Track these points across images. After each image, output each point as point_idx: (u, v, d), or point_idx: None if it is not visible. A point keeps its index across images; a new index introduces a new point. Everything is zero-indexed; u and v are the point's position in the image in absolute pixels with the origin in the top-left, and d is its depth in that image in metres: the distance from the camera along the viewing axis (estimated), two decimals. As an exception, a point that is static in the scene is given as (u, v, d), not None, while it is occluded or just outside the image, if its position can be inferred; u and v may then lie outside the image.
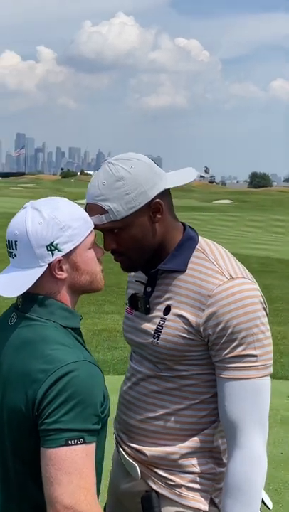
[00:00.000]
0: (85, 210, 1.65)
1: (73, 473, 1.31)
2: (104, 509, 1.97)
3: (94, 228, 1.63)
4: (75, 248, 1.50)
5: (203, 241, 1.75)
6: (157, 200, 1.64)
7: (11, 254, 1.51)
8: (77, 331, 1.55)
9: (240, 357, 1.59)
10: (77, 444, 1.33)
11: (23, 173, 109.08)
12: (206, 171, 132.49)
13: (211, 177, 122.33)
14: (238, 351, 1.59)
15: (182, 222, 1.79)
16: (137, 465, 1.76)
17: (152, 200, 1.63)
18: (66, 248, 1.48)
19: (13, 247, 1.49)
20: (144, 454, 1.74)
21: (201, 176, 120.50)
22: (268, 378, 1.62)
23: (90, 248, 1.55)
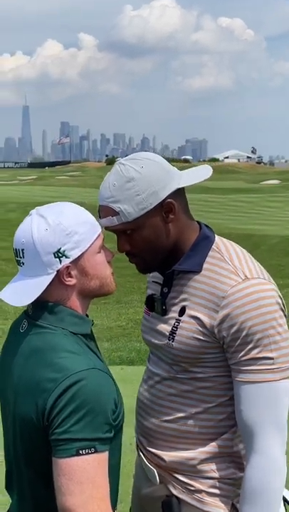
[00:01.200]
0: (98, 211, 1.63)
1: (85, 482, 1.30)
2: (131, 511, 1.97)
3: (106, 230, 1.61)
4: (82, 253, 1.48)
5: (219, 240, 1.71)
6: (169, 200, 1.61)
7: (19, 263, 1.50)
8: (88, 336, 1.53)
9: (256, 359, 1.55)
10: (88, 453, 1.32)
11: (69, 162, 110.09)
12: (253, 151, 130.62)
13: (258, 157, 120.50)
14: (253, 354, 1.55)
15: (198, 222, 1.75)
16: (155, 470, 1.74)
17: (164, 200, 1.60)
18: (74, 254, 1.47)
19: (21, 256, 1.48)
20: (162, 459, 1.73)
21: (248, 157, 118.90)
22: (287, 381, 1.57)
23: (98, 252, 1.53)
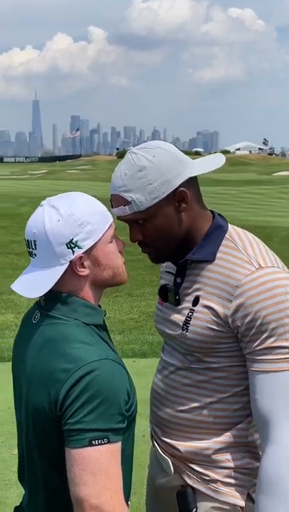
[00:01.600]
0: (110, 201, 1.62)
1: (98, 473, 1.30)
2: (146, 501, 1.97)
3: (118, 219, 1.60)
4: (95, 244, 1.48)
5: (232, 229, 1.69)
6: (182, 188, 1.60)
7: (31, 254, 1.50)
8: (101, 327, 1.53)
9: (271, 349, 1.53)
10: (101, 443, 1.32)
11: (80, 156, 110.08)
12: (265, 142, 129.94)
13: (270, 149, 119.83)
14: (268, 343, 1.53)
15: (211, 210, 1.74)
16: (170, 460, 1.74)
17: (177, 189, 1.59)
18: (86, 245, 1.46)
19: (33, 247, 1.47)
20: (177, 449, 1.72)
21: (260, 149, 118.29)
22: None
23: (110, 242, 1.52)
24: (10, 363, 5.43)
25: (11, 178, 47.78)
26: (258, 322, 1.53)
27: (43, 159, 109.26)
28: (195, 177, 1.64)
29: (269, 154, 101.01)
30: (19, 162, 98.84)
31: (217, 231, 1.67)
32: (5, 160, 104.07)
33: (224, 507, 1.66)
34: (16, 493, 3.54)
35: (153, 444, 1.84)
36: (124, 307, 8.35)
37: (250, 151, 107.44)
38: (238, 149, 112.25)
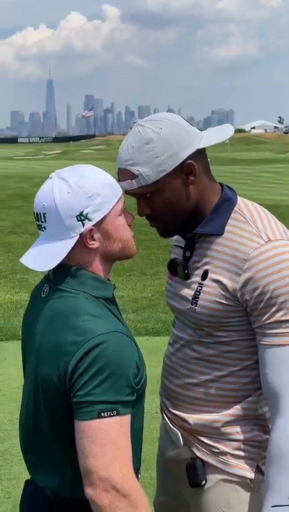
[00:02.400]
0: (117, 174, 1.61)
1: (107, 445, 1.30)
2: (157, 474, 1.99)
3: (126, 193, 1.59)
4: (105, 216, 1.46)
5: (241, 202, 1.67)
6: (190, 161, 1.58)
7: (40, 227, 1.49)
8: (110, 300, 1.52)
9: (280, 322, 1.53)
10: (110, 416, 1.32)
11: (94, 135, 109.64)
12: (280, 121, 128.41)
13: (285, 127, 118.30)
14: (277, 317, 1.52)
15: (220, 183, 1.72)
16: (179, 432, 1.74)
17: (184, 161, 1.57)
18: (96, 217, 1.45)
19: (42, 220, 1.46)
20: (187, 421, 1.72)
21: (275, 127, 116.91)
22: None
23: (120, 215, 1.51)
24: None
25: (25, 158, 47.79)
26: (267, 296, 1.52)
27: (57, 139, 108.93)
28: (203, 149, 1.62)
29: (285, 133, 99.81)
30: (33, 142, 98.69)
31: (226, 204, 1.65)
32: (19, 140, 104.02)
33: (233, 479, 1.67)
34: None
35: (162, 417, 1.84)
36: (137, 286, 8.36)
37: (266, 130, 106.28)
38: (254, 128, 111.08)
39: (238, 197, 1.69)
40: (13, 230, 13.35)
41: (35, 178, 24.13)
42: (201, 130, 1.67)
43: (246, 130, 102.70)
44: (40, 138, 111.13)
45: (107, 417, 1.32)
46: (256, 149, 54.04)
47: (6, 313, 7.10)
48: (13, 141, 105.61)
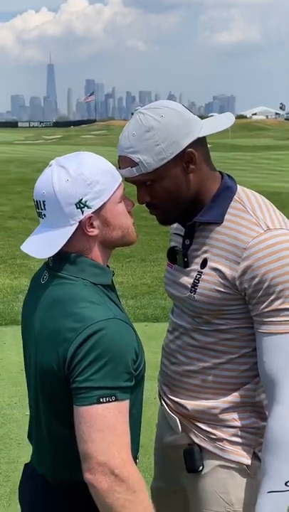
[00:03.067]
0: (118, 162, 1.61)
1: (106, 430, 1.32)
2: (154, 459, 2.01)
3: (126, 181, 1.59)
4: (104, 204, 1.47)
5: (241, 190, 1.68)
6: (190, 149, 1.58)
7: (40, 215, 1.49)
8: (109, 287, 1.53)
9: (278, 311, 1.54)
10: (109, 401, 1.34)
11: (94, 120, 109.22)
12: (282, 107, 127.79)
13: (287, 114, 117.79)
14: (275, 305, 1.53)
15: (220, 171, 1.72)
16: (177, 418, 1.76)
17: (184, 149, 1.57)
18: (95, 204, 1.45)
19: (42, 207, 1.47)
20: (185, 407, 1.74)
21: (277, 114, 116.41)
22: None
23: (119, 202, 1.51)
24: (23, 326, 5.32)
25: (25, 143, 47.61)
26: (266, 284, 1.53)
27: (57, 124, 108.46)
28: (204, 137, 1.62)
29: (286, 119, 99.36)
30: (34, 127, 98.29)
31: (225, 192, 1.65)
32: (19, 125, 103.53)
33: (230, 465, 1.69)
34: (29, 453, 3.61)
35: (161, 403, 1.86)
36: (136, 272, 8.37)
37: (267, 116, 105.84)
38: (255, 114, 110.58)
39: (238, 185, 1.69)
40: (13, 214, 13.34)
41: (36, 163, 24.05)
42: (202, 116, 1.66)
43: (247, 116, 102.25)
44: (40, 122, 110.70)
45: (105, 402, 1.33)
46: (257, 136, 53.83)
47: (6, 298, 7.12)
48: (13, 125, 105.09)
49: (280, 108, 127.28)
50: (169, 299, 1.87)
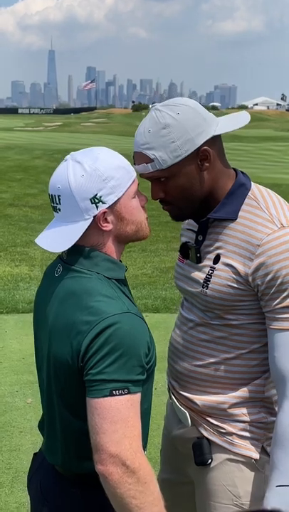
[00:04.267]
0: (133, 158, 1.62)
1: (118, 422, 1.34)
2: (162, 451, 2.03)
3: (140, 177, 1.60)
4: (118, 199, 1.48)
5: (255, 188, 1.69)
6: (205, 147, 1.59)
7: (55, 209, 1.50)
8: (122, 281, 1.55)
9: None
10: (121, 394, 1.35)
11: (95, 108, 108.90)
12: (283, 98, 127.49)
13: (288, 105, 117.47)
14: (287, 302, 1.55)
15: (234, 168, 1.73)
16: (187, 412, 1.78)
17: (200, 147, 1.58)
18: (110, 200, 1.47)
19: (57, 202, 1.48)
20: (194, 402, 1.76)
21: (278, 104, 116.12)
22: None
23: (133, 197, 1.52)
24: (24, 315, 5.59)
25: (25, 129, 47.45)
26: (279, 281, 1.54)
27: (57, 111, 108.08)
28: (219, 135, 1.63)
29: (287, 110, 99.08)
30: (34, 113, 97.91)
31: (240, 189, 1.66)
32: (19, 111, 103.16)
33: (239, 459, 1.71)
34: (31, 441, 3.66)
35: (170, 397, 1.88)
36: (137, 262, 8.39)
37: (268, 107, 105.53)
38: (256, 104, 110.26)
39: (252, 183, 1.70)
40: (13, 202, 13.33)
41: (36, 150, 23.99)
42: (204, 105, 1.66)
43: (249, 107, 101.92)
44: (40, 109, 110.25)
45: (118, 395, 1.35)
46: (258, 126, 53.72)
47: (6, 286, 7.13)
48: (13, 111, 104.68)
49: (282, 99, 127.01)
50: (170, 289, 1.88)
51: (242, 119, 1.69)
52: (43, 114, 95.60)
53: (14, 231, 10.22)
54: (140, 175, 1.61)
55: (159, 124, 1.56)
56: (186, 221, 1.84)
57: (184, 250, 1.77)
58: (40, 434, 1.70)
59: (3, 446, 3.67)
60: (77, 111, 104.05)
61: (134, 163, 1.61)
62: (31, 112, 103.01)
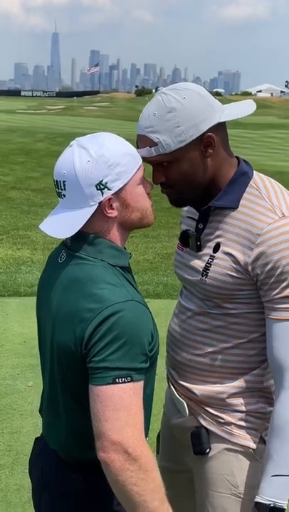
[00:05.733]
0: (136, 141, 1.61)
1: (121, 410, 1.35)
2: (158, 438, 2.04)
3: (143, 161, 1.59)
4: (124, 185, 1.47)
5: (257, 176, 1.68)
6: (209, 134, 1.57)
7: (59, 195, 1.50)
8: (126, 269, 1.55)
9: None
10: (124, 382, 1.36)
11: (98, 92, 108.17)
12: (287, 85, 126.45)
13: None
14: (287, 292, 1.55)
15: (237, 157, 1.72)
16: (185, 402, 1.78)
17: (204, 133, 1.57)
18: (115, 186, 1.46)
19: (62, 188, 1.47)
20: (193, 392, 1.76)
21: (282, 92, 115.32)
22: None
23: (139, 184, 1.52)
24: (26, 298, 5.60)
25: (28, 112, 47.18)
26: (278, 271, 1.54)
27: (60, 94, 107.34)
28: (224, 122, 1.61)
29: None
30: (36, 96, 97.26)
31: (242, 178, 1.66)
32: (22, 93, 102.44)
33: (237, 448, 1.72)
34: (31, 424, 3.69)
35: (169, 386, 1.88)
36: (139, 248, 8.40)
37: (272, 94, 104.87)
38: (260, 91, 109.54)
39: (254, 171, 1.70)
40: (15, 185, 13.30)
41: (38, 133, 23.87)
42: (207, 91, 1.66)
43: (252, 93, 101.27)
44: (43, 92, 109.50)
45: (121, 383, 1.35)
46: (261, 113, 53.34)
47: (8, 269, 7.14)
48: (16, 93, 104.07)
49: (286, 86, 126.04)
50: (171, 275, 1.88)
51: (248, 107, 1.68)
52: (45, 97, 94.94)
53: (16, 214, 10.20)
54: (143, 158, 1.59)
55: (165, 108, 1.55)
56: (186, 209, 1.83)
57: (184, 238, 1.76)
58: (40, 417, 1.71)
59: (4, 428, 3.70)
60: (80, 94, 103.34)
61: (137, 147, 1.60)
62: (34, 94, 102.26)
